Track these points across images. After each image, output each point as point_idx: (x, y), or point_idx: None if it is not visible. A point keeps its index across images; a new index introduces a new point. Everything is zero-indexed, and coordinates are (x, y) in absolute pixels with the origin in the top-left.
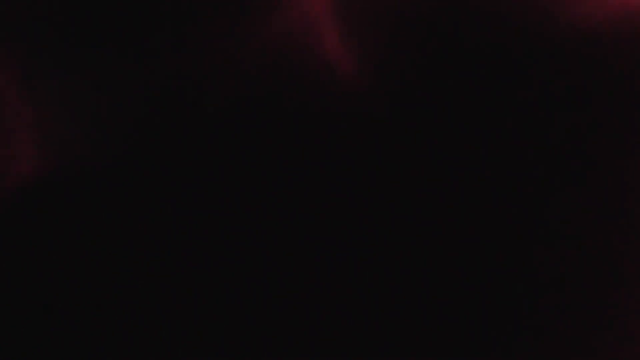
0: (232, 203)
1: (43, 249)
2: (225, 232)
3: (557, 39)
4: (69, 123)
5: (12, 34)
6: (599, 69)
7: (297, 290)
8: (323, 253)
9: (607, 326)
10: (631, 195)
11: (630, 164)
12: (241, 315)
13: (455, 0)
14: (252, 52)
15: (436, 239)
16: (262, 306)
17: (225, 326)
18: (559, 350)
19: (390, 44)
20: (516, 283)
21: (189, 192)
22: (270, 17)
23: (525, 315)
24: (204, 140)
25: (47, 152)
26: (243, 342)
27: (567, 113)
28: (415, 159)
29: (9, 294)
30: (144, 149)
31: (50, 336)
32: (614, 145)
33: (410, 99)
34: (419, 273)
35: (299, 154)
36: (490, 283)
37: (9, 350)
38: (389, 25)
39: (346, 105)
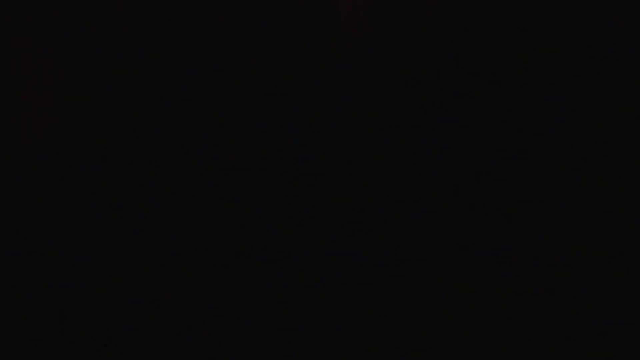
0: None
1: (47, 211)
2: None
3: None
4: (86, 94)
5: (35, 4)
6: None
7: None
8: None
9: (607, 326)
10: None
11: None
12: (241, 316)
13: None
14: (267, 16)
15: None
16: (262, 306)
17: (225, 326)
18: (559, 350)
19: (406, 9)
20: (517, 282)
21: (199, 161)
22: None
23: (526, 315)
24: (217, 102)
25: (61, 121)
26: (243, 342)
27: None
28: (424, 129)
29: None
30: (158, 122)
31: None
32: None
33: (423, 65)
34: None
35: (310, 116)
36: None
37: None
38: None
39: (358, 69)
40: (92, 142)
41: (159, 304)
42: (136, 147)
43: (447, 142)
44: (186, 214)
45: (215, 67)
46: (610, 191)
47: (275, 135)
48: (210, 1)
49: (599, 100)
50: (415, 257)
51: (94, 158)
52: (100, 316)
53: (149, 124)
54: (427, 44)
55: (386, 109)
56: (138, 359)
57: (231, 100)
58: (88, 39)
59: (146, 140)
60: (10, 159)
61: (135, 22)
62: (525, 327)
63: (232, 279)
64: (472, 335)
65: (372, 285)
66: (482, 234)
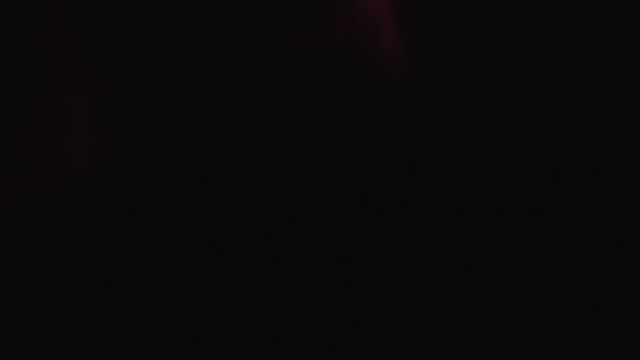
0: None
1: (96, 238)
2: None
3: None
4: (127, 116)
5: (78, 25)
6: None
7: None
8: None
9: (606, 326)
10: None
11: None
12: (242, 316)
13: (515, 1)
14: (312, 47)
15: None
16: (263, 306)
17: (224, 326)
18: (559, 350)
19: (447, 41)
20: (522, 283)
21: (242, 187)
22: (331, 12)
23: (526, 315)
24: (257, 133)
25: (104, 143)
26: (243, 343)
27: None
28: (463, 158)
29: (60, 285)
30: (197, 143)
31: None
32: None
33: (464, 97)
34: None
35: (351, 149)
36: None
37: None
38: (447, 22)
39: (400, 103)
40: (138, 168)
41: (159, 304)
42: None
43: (493, 185)
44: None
45: (265, 102)
46: (610, 191)
47: (319, 183)
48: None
49: (599, 101)
50: (420, 260)
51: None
52: (103, 316)
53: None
54: (474, 84)
55: (427, 148)
56: (138, 359)
57: (275, 139)
58: (140, 52)
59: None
60: (53, 188)
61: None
62: (526, 328)
63: (232, 279)
64: (472, 335)
65: (372, 286)
66: (488, 239)
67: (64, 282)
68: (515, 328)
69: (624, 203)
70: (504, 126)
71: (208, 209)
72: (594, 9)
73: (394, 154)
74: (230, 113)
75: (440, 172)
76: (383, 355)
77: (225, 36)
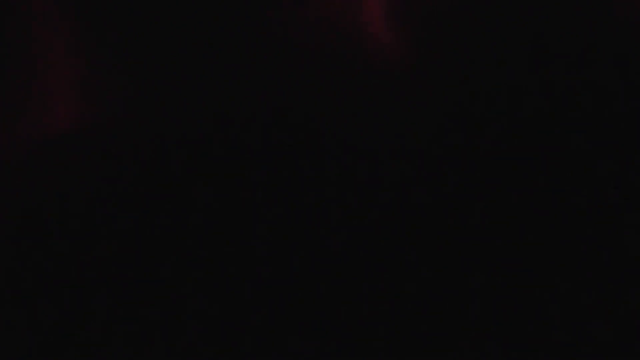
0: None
1: (70, 200)
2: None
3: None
4: (112, 82)
5: None
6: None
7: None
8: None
9: (607, 326)
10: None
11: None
12: (241, 317)
13: None
14: (297, 39)
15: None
16: (262, 307)
17: (224, 327)
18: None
19: (436, 32)
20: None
21: (226, 158)
22: (316, 4)
23: (526, 316)
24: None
25: (85, 109)
26: (242, 343)
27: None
28: (453, 139)
29: (35, 250)
30: (180, 117)
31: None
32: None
33: (454, 79)
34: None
35: (338, 130)
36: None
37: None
38: (436, 12)
39: (389, 83)
40: (126, 132)
41: (159, 305)
42: (170, 140)
43: (476, 151)
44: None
45: (243, 68)
46: (610, 192)
47: (296, 142)
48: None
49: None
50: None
51: (126, 151)
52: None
53: (183, 110)
54: (457, 48)
55: (415, 115)
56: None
57: (253, 105)
58: (120, 15)
59: (181, 130)
60: (33, 153)
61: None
62: (526, 327)
63: (232, 280)
64: (472, 335)
65: (372, 286)
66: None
67: (36, 260)
68: (515, 328)
69: (624, 203)
70: (500, 119)
71: (186, 188)
72: (592, 5)
73: (388, 147)
74: (220, 102)
75: (435, 165)
76: (383, 355)
77: (214, 26)
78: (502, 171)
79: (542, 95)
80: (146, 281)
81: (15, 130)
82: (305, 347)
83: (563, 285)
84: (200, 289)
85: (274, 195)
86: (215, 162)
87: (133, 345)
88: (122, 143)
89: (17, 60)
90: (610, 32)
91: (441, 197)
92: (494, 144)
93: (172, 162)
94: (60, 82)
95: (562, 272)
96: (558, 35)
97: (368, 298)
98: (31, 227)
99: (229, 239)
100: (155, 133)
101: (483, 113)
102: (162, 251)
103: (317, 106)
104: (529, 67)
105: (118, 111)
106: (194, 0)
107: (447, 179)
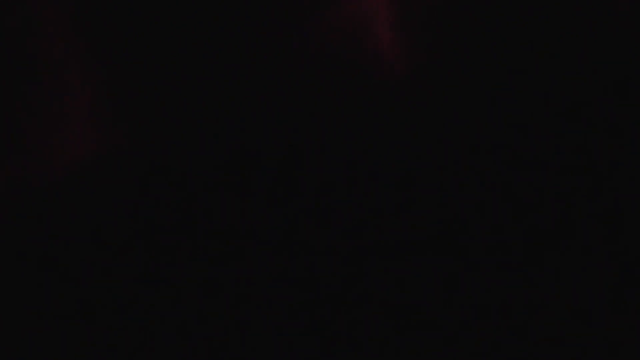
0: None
1: (93, 229)
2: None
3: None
4: (128, 109)
5: (77, 18)
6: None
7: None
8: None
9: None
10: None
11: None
12: (241, 317)
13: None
14: (306, 46)
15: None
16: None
17: (224, 327)
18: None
19: (442, 39)
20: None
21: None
22: (324, 11)
23: (527, 315)
24: (253, 130)
25: (103, 135)
26: (242, 343)
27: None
28: (458, 153)
29: (58, 277)
30: (197, 140)
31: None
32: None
33: (460, 94)
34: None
35: (346, 146)
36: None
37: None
38: (441, 19)
39: (396, 100)
40: (141, 158)
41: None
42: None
43: (481, 156)
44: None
45: (251, 86)
46: (609, 194)
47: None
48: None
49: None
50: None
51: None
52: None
53: (194, 129)
54: (463, 56)
55: (425, 145)
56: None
57: (272, 136)
58: (134, 40)
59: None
60: (49, 182)
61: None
62: (525, 328)
63: (231, 278)
64: (473, 335)
65: (372, 286)
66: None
67: (58, 279)
68: (514, 328)
69: (624, 203)
70: (500, 122)
71: (203, 206)
72: (592, 5)
73: (390, 150)
74: (224, 109)
75: (435, 168)
76: (383, 355)
77: (219, 32)
78: (506, 174)
79: (545, 98)
80: (149, 284)
81: (32, 157)
82: (305, 347)
83: (563, 285)
84: (200, 289)
85: (276, 200)
86: (224, 174)
87: (133, 345)
88: (139, 167)
89: (35, 87)
90: (610, 32)
91: (444, 200)
92: (499, 148)
93: (186, 179)
94: (78, 107)
95: (562, 272)
96: (559, 38)
97: (367, 298)
98: (53, 251)
99: (233, 244)
100: (169, 155)
101: (488, 119)
102: (170, 258)
103: (324, 112)
104: (535, 73)
105: (135, 136)
106: (205, 21)
107: (455, 186)
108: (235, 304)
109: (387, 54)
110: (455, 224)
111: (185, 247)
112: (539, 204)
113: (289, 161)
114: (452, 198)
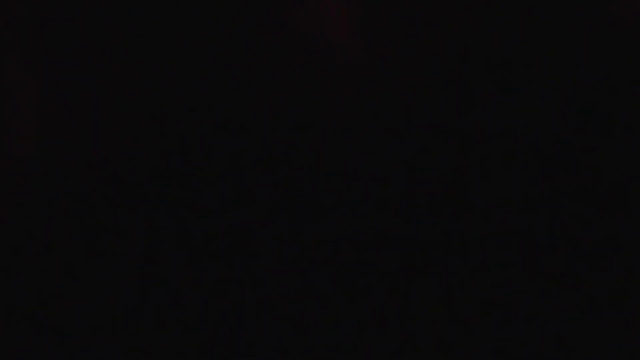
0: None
1: (30, 227)
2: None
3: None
4: (76, 107)
5: (27, 15)
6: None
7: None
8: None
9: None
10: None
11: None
12: (241, 317)
13: None
14: (262, 46)
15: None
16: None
17: (224, 327)
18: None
19: (401, 36)
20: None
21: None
22: (281, 10)
23: (527, 316)
24: (211, 130)
25: (48, 135)
26: (242, 343)
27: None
28: (421, 151)
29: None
30: (147, 138)
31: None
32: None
33: (419, 92)
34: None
35: (307, 145)
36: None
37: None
38: (400, 18)
39: (355, 98)
40: (84, 152)
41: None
42: (131, 155)
43: (447, 171)
44: (187, 222)
45: (206, 92)
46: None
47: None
48: (199, 25)
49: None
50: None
51: (85, 169)
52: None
53: (141, 130)
54: (425, 71)
55: (382, 137)
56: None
57: (226, 130)
58: (76, 41)
59: (140, 147)
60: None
61: (129, 25)
62: (525, 327)
63: (232, 280)
64: (472, 335)
65: (372, 286)
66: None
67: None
68: (514, 328)
69: (624, 202)
70: (464, 115)
71: (146, 208)
72: (592, 5)
73: (349, 147)
74: (192, 106)
75: (399, 161)
76: (382, 354)
77: (167, 31)
78: (495, 172)
79: (541, 97)
80: (142, 284)
81: None
82: (306, 347)
83: (563, 285)
84: (199, 289)
85: (262, 202)
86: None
87: (133, 345)
88: (80, 167)
89: None
90: (610, 32)
91: (407, 195)
92: (456, 139)
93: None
94: (21, 104)
95: (562, 272)
96: (555, 37)
97: (366, 299)
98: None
99: (226, 242)
100: (121, 153)
101: (449, 112)
102: (156, 254)
103: (284, 110)
104: (493, 66)
105: (78, 135)
106: (156, 16)
107: (407, 171)
108: (235, 303)
109: (344, 50)
110: (448, 227)
111: (125, 251)
112: (537, 208)
113: (252, 159)
114: (410, 189)
